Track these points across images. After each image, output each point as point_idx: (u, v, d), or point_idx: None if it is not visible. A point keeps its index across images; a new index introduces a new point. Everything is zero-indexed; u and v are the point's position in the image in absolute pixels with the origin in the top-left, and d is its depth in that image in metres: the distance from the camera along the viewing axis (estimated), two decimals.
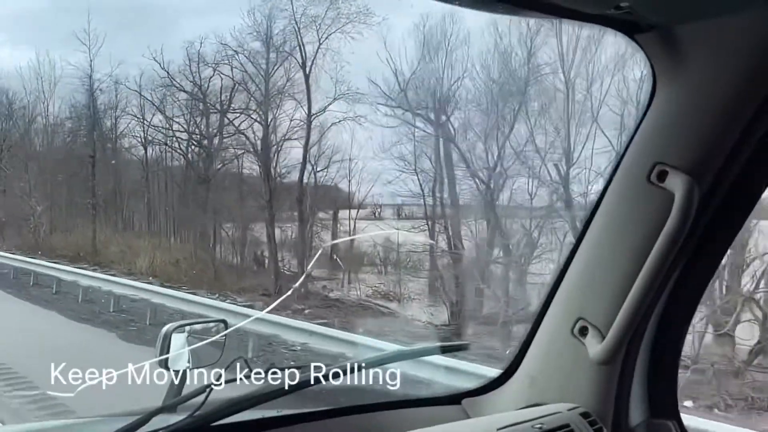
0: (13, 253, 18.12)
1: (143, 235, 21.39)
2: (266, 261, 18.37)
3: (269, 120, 18.43)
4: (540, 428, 1.43)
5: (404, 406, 1.65)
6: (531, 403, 1.57)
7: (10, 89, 23.24)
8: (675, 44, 1.26)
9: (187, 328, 1.68)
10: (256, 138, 18.87)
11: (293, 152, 18.21)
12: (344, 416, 1.55)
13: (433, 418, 1.47)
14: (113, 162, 22.61)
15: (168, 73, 19.53)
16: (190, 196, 20.40)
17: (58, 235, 21.81)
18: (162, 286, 13.85)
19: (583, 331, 1.47)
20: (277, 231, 17.97)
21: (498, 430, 1.41)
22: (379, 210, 19.38)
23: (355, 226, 18.63)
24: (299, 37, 17.19)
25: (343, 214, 19.02)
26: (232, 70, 18.90)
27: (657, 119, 1.35)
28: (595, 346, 1.43)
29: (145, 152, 21.85)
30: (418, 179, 15.66)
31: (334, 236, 18.65)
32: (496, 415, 1.55)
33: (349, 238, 19.13)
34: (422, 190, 15.79)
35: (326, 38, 16.83)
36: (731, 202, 1.38)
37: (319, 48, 17.03)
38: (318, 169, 18.29)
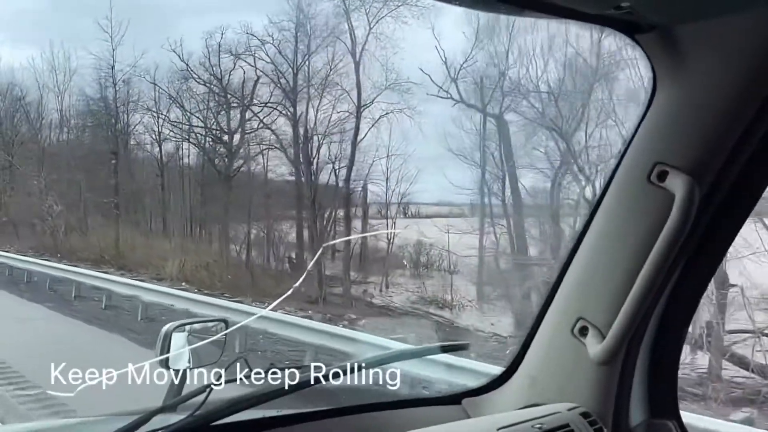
0: (47, 259, 16.73)
1: (167, 236, 20.10)
2: (305, 264, 17.09)
3: (312, 113, 17.19)
4: (540, 428, 1.43)
5: (404, 406, 1.65)
6: (531, 402, 1.57)
7: (22, 82, 22.20)
8: (676, 44, 1.26)
9: (188, 327, 1.68)
10: (297, 133, 17.61)
11: (337, 147, 17.02)
12: (344, 416, 1.55)
13: (433, 418, 1.47)
14: (134, 159, 21.31)
15: (187, 65, 18.65)
16: (217, 195, 19.18)
17: (78, 237, 20.41)
18: (198, 292, 12.75)
19: (584, 331, 1.47)
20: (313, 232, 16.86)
21: (498, 430, 1.41)
22: (428, 209, 18.27)
23: (394, 225, 17.33)
24: (349, 21, 16.31)
25: (385, 212, 17.85)
26: (254, 61, 17.78)
27: (657, 119, 1.35)
28: (595, 346, 1.43)
29: (160, 149, 20.77)
30: (481, 175, 14.57)
31: (384, 237, 17.19)
32: (497, 415, 1.55)
33: (382, 231, 18.01)
34: (478, 187, 14.76)
35: (376, 23, 15.96)
36: (732, 202, 1.38)
37: (369, 33, 16.08)
38: (365, 165, 17.05)
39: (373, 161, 17.02)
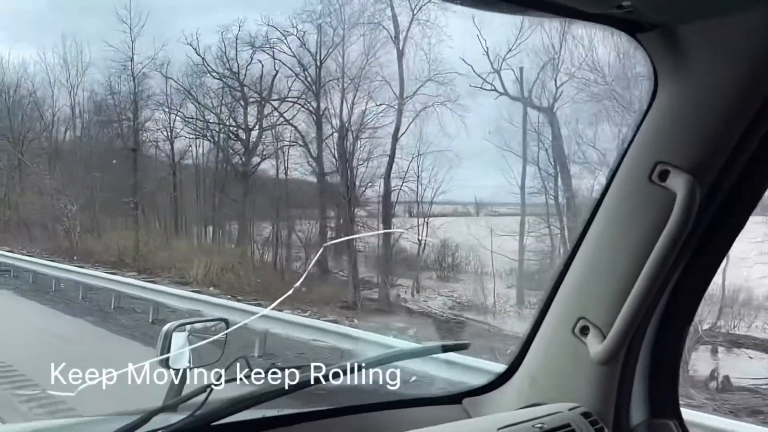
0: (79, 265, 15.09)
1: (187, 236, 19.11)
2: (338, 266, 15.81)
3: (346, 107, 16.04)
4: (541, 428, 1.42)
5: (405, 406, 1.65)
6: (532, 402, 1.57)
7: (34, 76, 21.08)
8: (677, 43, 1.25)
9: (188, 327, 1.68)
10: (322, 128, 16.45)
11: (375, 142, 15.87)
12: (345, 416, 1.55)
13: (433, 418, 1.47)
14: (152, 157, 19.87)
15: (203, 59, 17.55)
16: (238, 194, 18.15)
17: (94, 238, 19.31)
18: (233, 298, 11.52)
19: (584, 331, 1.47)
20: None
21: (499, 429, 1.41)
22: (468, 207, 17.11)
23: (426, 224, 15.87)
24: (392, 8, 15.49)
25: (423, 211, 16.30)
26: (273, 54, 16.71)
27: (658, 118, 1.35)
28: (596, 346, 1.43)
29: (172, 146, 19.55)
30: (531, 171, 13.64)
31: (416, 237, 15.72)
32: (497, 415, 1.55)
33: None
34: (526, 184, 13.79)
35: (419, 10, 15.11)
36: (733, 201, 1.38)
37: (412, 20, 15.14)
38: (405, 161, 15.73)
39: (413, 157, 15.86)
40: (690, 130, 1.32)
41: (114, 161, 19.91)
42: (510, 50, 13.89)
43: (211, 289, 13.94)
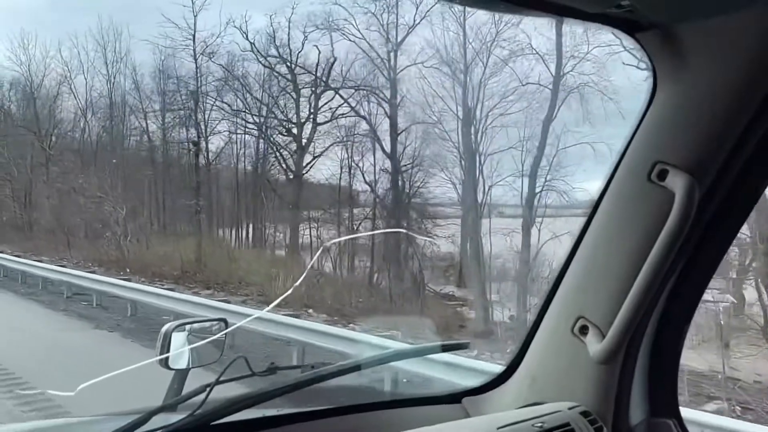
0: (137, 278, 12.86)
1: (255, 245, 16.42)
2: (458, 287, 13.38)
3: (472, 89, 13.37)
4: (540, 427, 1.43)
5: (404, 405, 1.66)
6: (531, 401, 1.57)
7: (70, 61, 18.62)
8: (676, 43, 1.26)
9: (188, 327, 1.68)
10: (454, 116, 13.63)
11: (507, 132, 13.29)
12: (344, 415, 1.55)
13: (433, 417, 1.47)
14: (213, 153, 16.53)
15: (255, 48, 15.60)
16: (309, 198, 15.47)
17: (147, 247, 16.57)
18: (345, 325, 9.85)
19: (584, 330, 1.48)
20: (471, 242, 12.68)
21: (498, 429, 1.41)
22: None
23: (530, 223, 13.13)
24: None
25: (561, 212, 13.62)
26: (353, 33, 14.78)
27: (657, 118, 1.35)
28: (595, 345, 1.43)
29: (205, 144, 16.73)
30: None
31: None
32: (497, 414, 1.56)
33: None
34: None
35: None
36: (732, 200, 1.38)
37: None
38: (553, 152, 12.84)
39: (557, 150, 12.84)
40: (689, 130, 1.32)
41: (170, 158, 16.94)
42: None
43: (310, 311, 11.78)
